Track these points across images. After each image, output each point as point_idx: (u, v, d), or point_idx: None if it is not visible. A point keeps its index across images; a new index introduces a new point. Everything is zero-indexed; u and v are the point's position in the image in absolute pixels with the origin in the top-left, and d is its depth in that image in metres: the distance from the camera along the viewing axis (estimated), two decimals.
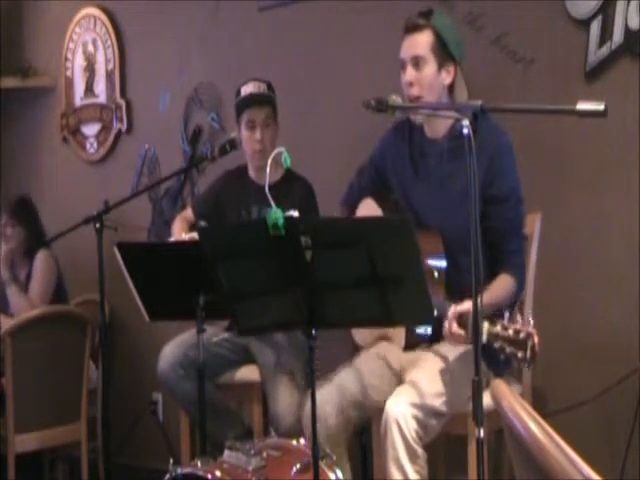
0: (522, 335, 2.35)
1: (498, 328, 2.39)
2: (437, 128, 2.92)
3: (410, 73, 2.85)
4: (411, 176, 2.99)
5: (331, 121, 4.03)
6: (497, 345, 2.38)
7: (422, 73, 2.84)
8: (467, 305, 2.51)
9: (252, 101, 3.62)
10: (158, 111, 4.70)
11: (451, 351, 2.83)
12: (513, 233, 2.85)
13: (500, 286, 2.77)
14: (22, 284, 4.48)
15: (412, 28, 2.86)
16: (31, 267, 4.51)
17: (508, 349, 2.37)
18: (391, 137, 3.08)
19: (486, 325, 2.40)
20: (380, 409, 2.74)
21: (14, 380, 4.05)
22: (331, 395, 2.85)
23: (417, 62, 2.84)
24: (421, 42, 2.84)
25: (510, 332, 2.37)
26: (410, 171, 2.99)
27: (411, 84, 2.84)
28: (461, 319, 2.56)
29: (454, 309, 2.58)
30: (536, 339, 2.32)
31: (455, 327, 2.57)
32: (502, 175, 2.83)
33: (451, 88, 2.88)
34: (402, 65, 2.87)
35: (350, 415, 2.88)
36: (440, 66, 2.84)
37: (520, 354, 2.34)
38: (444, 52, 2.84)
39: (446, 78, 2.86)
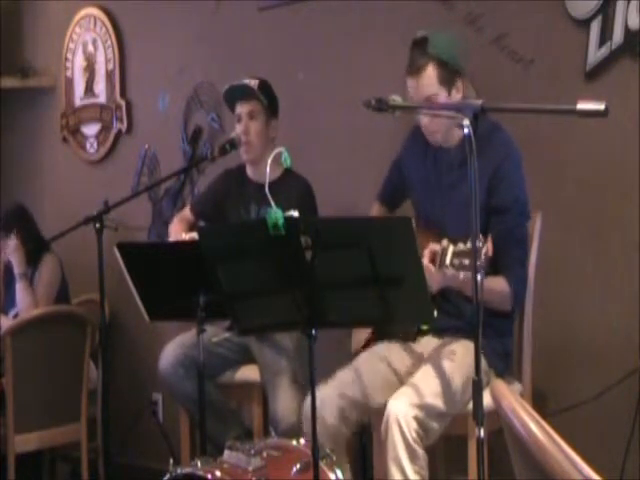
0: (478, 245, 2.36)
1: (460, 246, 2.43)
2: (450, 137, 2.93)
3: (425, 119, 2.87)
4: (422, 180, 3.02)
5: (331, 121, 4.02)
6: (458, 262, 2.42)
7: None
8: (439, 246, 2.52)
9: (232, 94, 3.63)
10: (158, 111, 4.70)
11: (453, 352, 2.83)
12: (513, 244, 2.83)
13: (491, 285, 2.68)
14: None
15: (415, 71, 2.85)
16: (35, 273, 4.50)
17: (466, 261, 2.41)
18: (411, 140, 3.12)
19: (451, 248, 2.46)
20: (380, 410, 2.75)
21: (14, 380, 4.04)
22: (330, 396, 2.85)
23: (430, 99, 2.84)
24: (427, 81, 2.84)
25: (468, 245, 2.39)
26: (422, 175, 3.03)
27: (430, 128, 2.89)
28: (433, 256, 2.55)
29: (430, 247, 2.58)
30: (489, 245, 2.34)
31: (426, 261, 2.54)
32: (506, 184, 2.83)
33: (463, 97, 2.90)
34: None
35: (349, 416, 2.87)
36: (450, 90, 2.86)
37: (478, 263, 2.35)
38: (450, 74, 2.85)
39: (456, 95, 2.87)
